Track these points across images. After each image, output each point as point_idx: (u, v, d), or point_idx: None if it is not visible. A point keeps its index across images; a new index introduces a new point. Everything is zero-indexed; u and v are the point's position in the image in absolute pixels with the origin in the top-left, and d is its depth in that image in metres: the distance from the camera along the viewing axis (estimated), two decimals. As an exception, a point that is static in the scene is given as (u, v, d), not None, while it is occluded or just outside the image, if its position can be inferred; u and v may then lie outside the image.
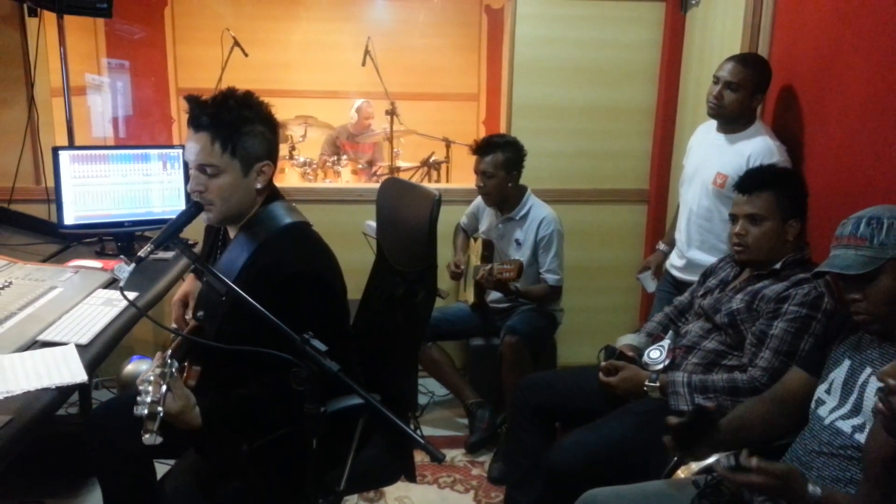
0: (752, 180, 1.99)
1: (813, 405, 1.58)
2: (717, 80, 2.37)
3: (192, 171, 1.64)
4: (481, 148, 3.01)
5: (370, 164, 5.02)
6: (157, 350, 3.30)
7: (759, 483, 1.36)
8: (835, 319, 1.73)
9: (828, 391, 1.56)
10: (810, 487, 1.36)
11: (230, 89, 1.64)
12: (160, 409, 1.32)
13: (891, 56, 1.90)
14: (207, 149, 1.59)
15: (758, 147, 2.32)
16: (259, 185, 1.68)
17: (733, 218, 2.03)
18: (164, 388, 1.34)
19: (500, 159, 2.97)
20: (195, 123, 1.60)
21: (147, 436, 1.31)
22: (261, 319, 1.37)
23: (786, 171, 2.08)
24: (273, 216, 1.70)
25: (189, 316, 1.89)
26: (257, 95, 1.67)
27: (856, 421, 1.46)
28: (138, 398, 1.33)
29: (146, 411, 1.31)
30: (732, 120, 2.40)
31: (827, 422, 1.51)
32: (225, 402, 1.56)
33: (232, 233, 1.76)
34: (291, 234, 1.69)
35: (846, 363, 1.54)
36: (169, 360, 1.40)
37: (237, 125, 1.60)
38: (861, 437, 1.42)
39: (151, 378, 1.35)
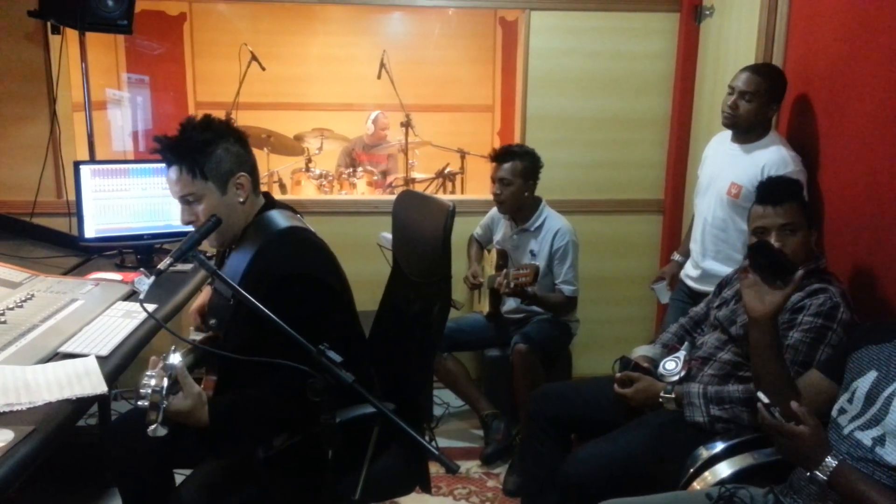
0: (778, 191, 1.94)
1: (835, 412, 1.56)
2: (732, 90, 2.37)
3: (179, 205, 1.71)
4: (500, 155, 3.02)
5: (384, 174, 5.06)
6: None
7: (790, 430, 1.42)
8: (858, 329, 1.71)
9: (850, 400, 1.53)
10: (829, 458, 1.40)
11: (189, 119, 1.70)
12: (164, 402, 1.33)
13: (906, 65, 1.90)
14: (181, 180, 1.66)
15: (772, 157, 2.31)
16: (241, 199, 1.72)
17: (762, 232, 1.93)
18: (166, 380, 1.36)
19: (519, 167, 2.99)
20: (165, 160, 1.68)
21: (151, 427, 1.32)
22: (267, 327, 1.38)
23: (798, 181, 2.06)
24: (268, 223, 1.74)
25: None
26: (216, 116, 1.73)
27: (875, 432, 1.44)
28: (141, 390, 1.35)
29: (148, 402, 1.33)
30: (747, 130, 2.39)
31: (846, 431, 1.49)
32: (233, 400, 1.58)
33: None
34: (286, 237, 1.72)
35: (872, 374, 1.51)
36: (173, 353, 1.43)
37: (200, 149, 1.66)
38: (882, 451, 1.40)
39: (155, 372, 1.37)
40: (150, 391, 1.34)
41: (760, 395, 1.50)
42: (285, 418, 1.60)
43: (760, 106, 2.34)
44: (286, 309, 1.43)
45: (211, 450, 1.69)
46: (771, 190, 1.97)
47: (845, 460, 1.43)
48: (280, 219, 1.75)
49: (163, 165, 1.72)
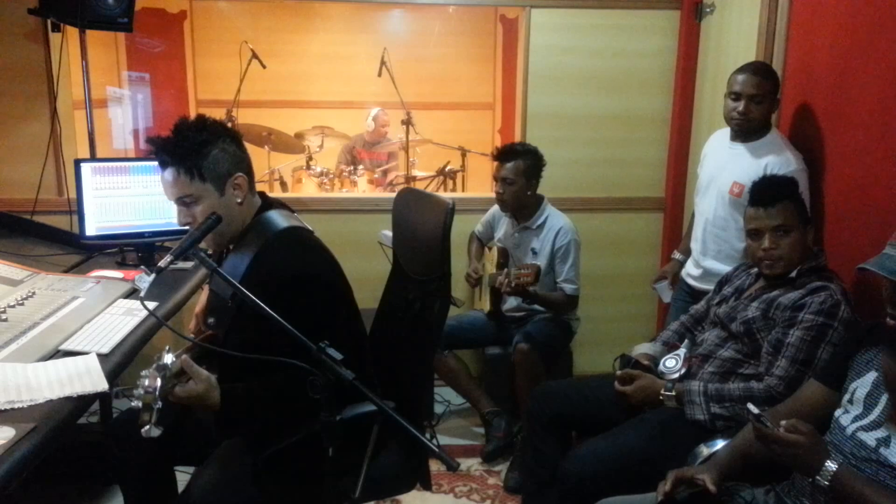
0: (770, 192, 1.96)
1: (836, 413, 1.56)
2: (736, 95, 2.34)
3: (175, 207, 1.70)
4: (503, 154, 3.02)
5: (385, 172, 5.06)
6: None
7: (786, 439, 1.40)
8: (859, 328, 1.71)
9: (850, 401, 1.53)
10: (828, 463, 1.38)
11: (183, 119, 1.69)
12: (158, 402, 1.34)
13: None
14: (177, 181, 1.65)
15: (774, 156, 2.31)
16: (238, 199, 1.71)
17: (756, 233, 1.98)
18: (159, 380, 1.36)
19: (522, 167, 2.98)
20: (160, 162, 1.66)
21: (145, 428, 1.33)
22: (268, 326, 1.38)
23: (793, 180, 2.06)
24: (266, 224, 1.73)
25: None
26: (210, 116, 1.72)
27: (879, 433, 1.43)
28: (135, 391, 1.36)
29: (141, 403, 1.33)
30: (755, 131, 2.39)
31: (849, 431, 1.49)
32: (245, 386, 1.59)
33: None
34: (285, 238, 1.72)
35: (871, 375, 1.51)
36: (167, 353, 1.43)
37: (196, 150, 1.64)
38: (886, 452, 1.40)
39: (149, 372, 1.38)
40: (142, 392, 1.34)
41: (750, 406, 1.48)
42: (296, 407, 1.60)
43: (769, 106, 2.35)
44: (292, 310, 1.43)
45: (222, 430, 1.69)
46: (763, 191, 1.98)
47: (849, 461, 1.43)
48: (279, 219, 1.74)
49: (163, 164, 1.71)
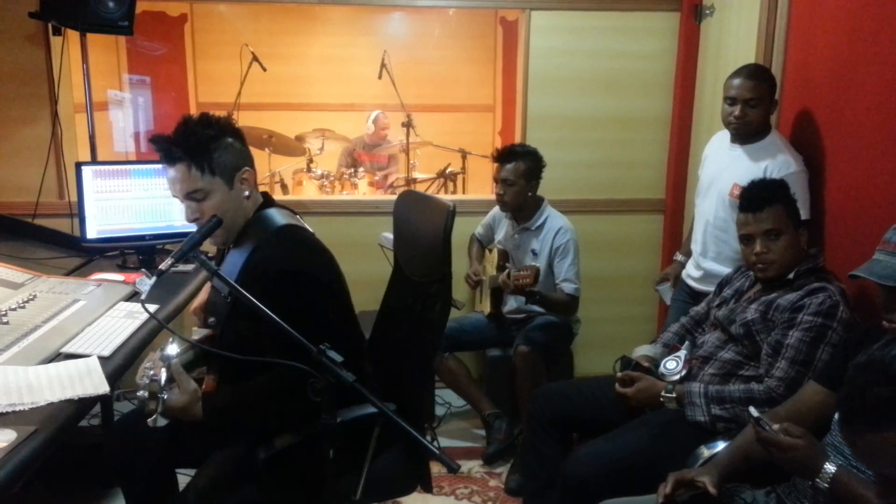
0: (758, 197, 1.97)
1: (836, 415, 1.56)
2: (732, 100, 2.34)
3: (183, 203, 1.70)
4: (503, 156, 3.03)
5: (385, 174, 5.06)
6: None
7: (784, 443, 1.41)
8: (858, 328, 1.71)
9: (849, 402, 1.54)
10: (827, 465, 1.39)
11: (187, 116, 1.70)
12: (163, 392, 1.35)
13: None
14: (188, 176, 1.65)
15: (774, 158, 2.31)
16: (246, 193, 1.73)
17: (748, 238, 1.99)
18: (163, 370, 1.37)
19: (522, 168, 2.99)
20: (168, 158, 1.66)
21: (151, 418, 1.33)
22: (263, 324, 1.39)
23: (782, 182, 2.06)
24: (265, 220, 1.75)
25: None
26: (212, 112, 1.73)
27: None
28: (139, 381, 1.36)
29: (147, 392, 1.34)
30: (753, 133, 2.39)
31: (848, 433, 1.49)
32: (230, 395, 1.59)
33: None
34: (282, 235, 1.73)
35: None
36: (171, 344, 1.44)
37: (206, 145, 1.66)
38: None
39: (152, 363, 1.38)
40: (147, 381, 1.35)
41: (751, 409, 1.50)
42: (284, 410, 1.61)
43: (765, 109, 2.34)
44: (282, 305, 1.43)
45: (208, 443, 1.69)
46: (751, 196, 1.99)
47: (849, 462, 1.43)
48: (278, 216, 1.76)
49: (164, 167, 1.71)
